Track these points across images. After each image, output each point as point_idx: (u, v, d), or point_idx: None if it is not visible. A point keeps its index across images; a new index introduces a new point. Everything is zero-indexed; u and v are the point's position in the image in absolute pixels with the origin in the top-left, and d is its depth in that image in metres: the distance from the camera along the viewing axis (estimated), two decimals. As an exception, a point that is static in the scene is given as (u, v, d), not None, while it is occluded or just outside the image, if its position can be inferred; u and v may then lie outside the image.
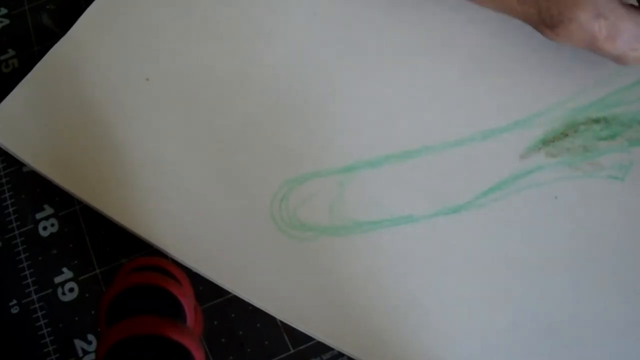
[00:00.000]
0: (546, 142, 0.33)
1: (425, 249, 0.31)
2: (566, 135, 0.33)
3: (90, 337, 0.32)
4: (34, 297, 0.32)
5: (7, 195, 0.35)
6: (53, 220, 0.34)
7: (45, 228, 0.34)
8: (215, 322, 0.32)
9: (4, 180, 0.35)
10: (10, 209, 0.35)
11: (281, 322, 0.31)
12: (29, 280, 0.33)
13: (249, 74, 0.36)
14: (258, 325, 0.31)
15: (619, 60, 0.31)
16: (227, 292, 0.32)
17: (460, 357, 0.29)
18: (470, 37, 0.36)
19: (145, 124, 0.35)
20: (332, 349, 0.31)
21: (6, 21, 0.40)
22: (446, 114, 0.34)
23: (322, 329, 0.30)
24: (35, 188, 0.35)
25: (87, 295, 0.33)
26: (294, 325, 0.31)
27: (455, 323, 0.30)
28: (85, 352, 0.31)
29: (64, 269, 0.33)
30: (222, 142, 0.34)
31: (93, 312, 0.32)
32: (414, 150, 0.34)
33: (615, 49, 0.30)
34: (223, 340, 0.31)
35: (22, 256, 0.33)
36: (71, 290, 0.33)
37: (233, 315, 0.32)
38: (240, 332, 0.31)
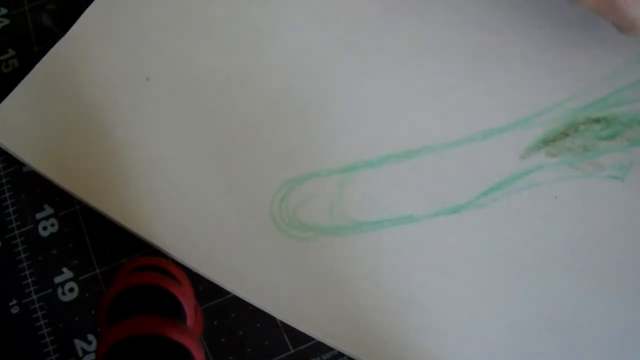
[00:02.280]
0: (546, 142, 0.33)
1: (425, 249, 0.31)
2: (566, 135, 0.33)
3: (90, 337, 0.32)
4: (34, 297, 0.32)
5: (7, 195, 0.35)
6: (53, 220, 0.34)
7: (45, 228, 0.34)
8: (215, 322, 0.32)
9: (4, 180, 0.35)
10: (10, 209, 0.35)
11: (281, 322, 0.31)
12: (29, 280, 0.33)
13: (249, 74, 0.36)
14: (258, 325, 0.31)
15: (632, 28, 0.30)
16: (227, 292, 0.32)
17: (460, 357, 0.29)
18: (470, 37, 0.36)
19: (145, 124, 0.35)
20: (332, 349, 0.31)
21: (6, 21, 0.40)
22: (446, 114, 0.34)
23: (322, 329, 0.30)
24: (35, 188, 0.35)
25: (87, 295, 0.32)
26: (294, 325, 0.31)
27: (455, 323, 0.30)
28: (85, 352, 0.31)
29: (64, 269, 0.33)
30: (222, 141, 0.34)
31: (93, 312, 0.32)
32: (414, 150, 0.34)
33: (634, 13, 0.29)
34: (223, 340, 0.31)
35: (22, 256, 0.33)
36: (71, 290, 0.33)
37: (233, 315, 0.32)
38: (240, 332, 0.31)
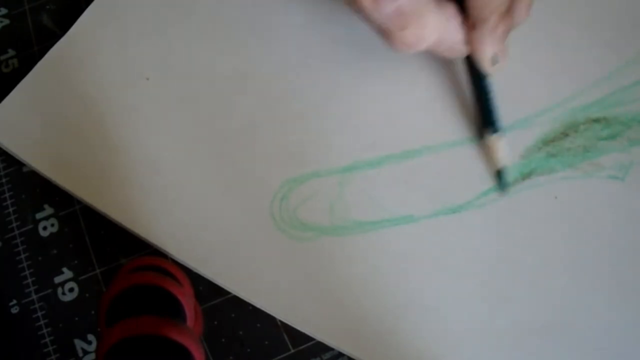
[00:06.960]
0: (546, 142, 0.33)
1: (425, 249, 0.31)
2: (566, 135, 0.33)
3: (90, 337, 0.32)
4: (34, 297, 0.32)
5: (7, 195, 0.35)
6: (53, 220, 0.34)
7: (45, 228, 0.34)
8: (215, 322, 0.32)
9: (4, 180, 0.35)
10: (10, 209, 0.35)
11: (281, 322, 0.31)
12: (29, 280, 0.33)
13: (249, 74, 0.36)
14: (258, 325, 0.31)
15: (385, 35, 0.25)
16: (227, 292, 0.32)
17: (460, 357, 0.29)
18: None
19: (145, 124, 0.35)
20: (332, 349, 0.31)
21: (6, 21, 0.40)
22: (446, 114, 0.34)
23: (322, 329, 0.30)
24: (35, 188, 0.35)
25: (87, 295, 0.32)
26: (294, 325, 0.31)
27: (455, 323, 0.30)
28: (85, 352, 0.31)
29: (64, 269, 0.33)
30: (222, 141, 0.34)
31: (93, 312, 0.32)
32: (414, 150, 0.34)
33: (378, 14, 0.24)
34: (223, 340, 0.31)
35: (22, 256, 0.33)
36: (71, 290, 0.33)
37: (233, 315, 0.32)
38: (240, 332, 0.31)
